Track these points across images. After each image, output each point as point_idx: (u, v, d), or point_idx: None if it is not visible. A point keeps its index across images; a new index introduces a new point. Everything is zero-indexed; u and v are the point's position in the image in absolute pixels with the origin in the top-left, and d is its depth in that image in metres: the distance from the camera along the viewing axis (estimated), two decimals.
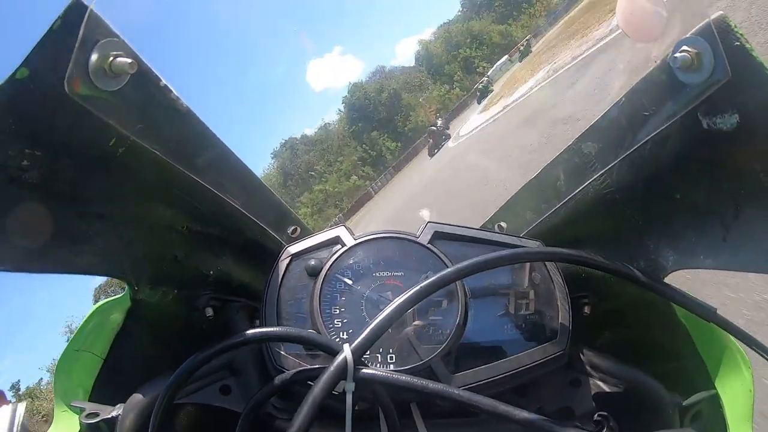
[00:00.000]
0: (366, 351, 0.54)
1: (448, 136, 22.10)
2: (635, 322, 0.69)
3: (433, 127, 23.85)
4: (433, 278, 0.58)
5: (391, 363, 0.61)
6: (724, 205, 0.52)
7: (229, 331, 0.72)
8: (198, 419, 0.58)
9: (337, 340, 0.61)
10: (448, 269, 0.59)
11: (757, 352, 0.55)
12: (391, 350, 0.62)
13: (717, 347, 0.63)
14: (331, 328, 0.62)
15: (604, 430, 0.61)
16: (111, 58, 0.44)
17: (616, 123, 0.56)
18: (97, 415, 0.63)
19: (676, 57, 0.46)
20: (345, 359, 0.51)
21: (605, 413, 0.61)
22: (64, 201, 0.51)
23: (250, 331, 0.56)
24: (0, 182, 0.45)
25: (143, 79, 0.49)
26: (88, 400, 0.65)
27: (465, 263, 0.60)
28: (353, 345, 0.53)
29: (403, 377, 0.53)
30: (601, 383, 0.67)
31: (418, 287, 0.57)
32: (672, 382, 0.63)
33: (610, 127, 0.57)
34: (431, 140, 23.08)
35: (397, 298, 0.56)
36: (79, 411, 0.63)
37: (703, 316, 0.57)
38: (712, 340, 0.62)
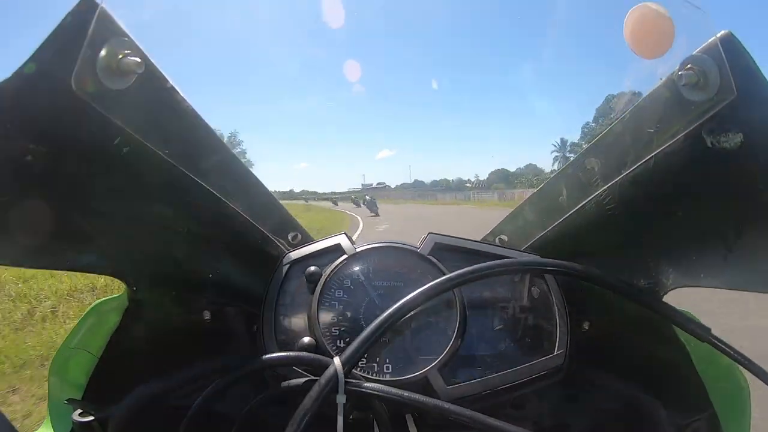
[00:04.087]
0: (356, 363, 0.54)
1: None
2: (634, 340, 0.68)
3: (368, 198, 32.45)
4: (422, 289, 0.58)
5: (388, 373, 0.60)
6: (727, 224, 0.52)
7: (226, 335, 0.71)
8: (193, 423, 0.57)
9: (334, 348, 0.61)
10: (438, 280, 0.59)
11: (752, 372, 0.55)
12: (387, 361, 0.61)
13: (716, 367, 0.62)
14: (328, 336, 0.62)
15: None
16: (119, 57, 0.44)
17: (620, 139, 0.56)
18: (89, 413, 0.62)
19: (681, 74, 0.46)
20: (335, 372, 0.50)
21: (602, 430, 0.61)
22: (67, 198, 0.51)
23: (229, 366, 0.56)
24: (3, 177, 0.45)
25: (151, 79, 0.49)
26: (82, 399, 0.65)
27: (456, 273, 0.60)
28: (343, 358, 0.52)
29: (395, 390, 0.53)
30: (598, 400, 0.66)
31: (406, 299, 0.57)
32: (670, 401, 0.62)
33: (614, 143, 0.57)
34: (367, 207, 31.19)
35: (387, 311, 0.56)
36: (72, 409, 0.63)
37: (698, 336, 0.57)
38: (711, 360, 0.62)
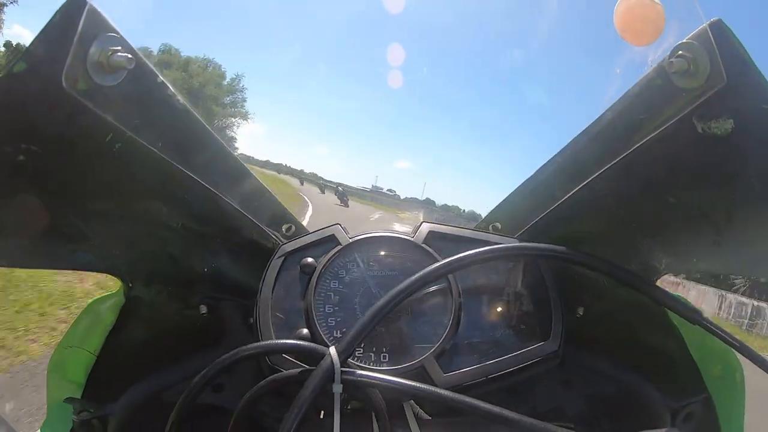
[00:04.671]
0: (352, 352, 0.55)
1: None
2: (628, 324, 0.69)
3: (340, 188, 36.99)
4: (414, 276, 0.58)
5: (385, 362, 0.61)
6: (718, 210, 0.52)
7: (222, 329, 0.71)
8: (191, 416, 0.58)
9: (331, 339, 0.61)
10: (430, 267, 0.60)
11: (742, 354, 0.56)
12: (384, 350, 0.61)
13: (709, 350, 0.63)
14: (324, 326, 0.62)
15: (596, 430, 0.61)
16: (109, 53, 0.44)
17: (611, 126, 0.57)
18: (89, 411, 0.62)
19: (672, 62, 0.46)
20: (331, 362, 0.51)
21: (597, 414, 0.62)
22: (61, 197, 0.51)
23: (225, 357, 0.55)
24: None
25: (141, 74, 0.49)
26: (81, 397, 0.65)
27: (448, 260, 0.60)
28: (338, 347, 0.53)
29: (390, 378, 0.53)
30: (593, 384, 0.67)
31: (399, 287, 0.58)
32: (664, 384, 0.63)
33: (605, 130, 0.58)
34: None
35: (381, 300, 0.57)
36: (72, 408, 0.63)
37: (689, 318, 0.57)
38: (704, 343, 0.63)
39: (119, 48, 0.45)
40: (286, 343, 0.57)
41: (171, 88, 0.52)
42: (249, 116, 49.25)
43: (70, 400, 0.63)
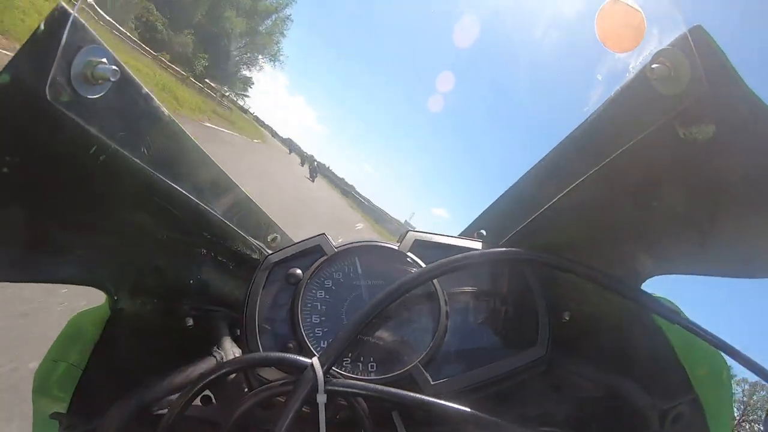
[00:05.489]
0: (335, 362, 0.54)
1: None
2: (614, 328, 0.69)
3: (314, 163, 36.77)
4: (395, 284, 0.59)
5: (372, 372, 0.61)
6: (700, 213, 0.53)
7: (209, 341, 0.71)
8: (180, 430, 0.57)
9: (318, 349, 0.61)
10: (411, 274, 0.60)
11: (727, 354, 0.56)
12: (372, 359, 0.61)
13: (696, 351, 0.64)
14: (312, 336, 0.62)
15: None
16: (94, 65, 0.44)
17: (593, 132, 0.57)
18: (76, 427, 0.61)
19: (653, 68, 0.47)
20: (315, 374, 0.51)
21: (586, 418, 0.62)
22: (44, 209, 0.51)
23: (208, 371, 0.55)
24: None
25: (125, 86, 0.48)
26: (67, 412, 0.64)
27: (429, 267, 0.61)
28: (321, 357, 0.53)
29: (374, 387, 0.53)
30: (581, 388, 0.67)
31: (380, 295, 0.58)
32: (652, 387, 0.64)
33: (587, 137, 0.58)
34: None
35: (363, 308, 0.57)
36: (58, 424, 0.62)
37: (673, 321, 0.58)
38: (691, 345, 0.63)
39: (104, 60, 0.45)
40: (268, 356, 0.56)
41: (155, 99, 0.52)
42: (280, 56, 39.61)
43: (56, 415, 0.62)
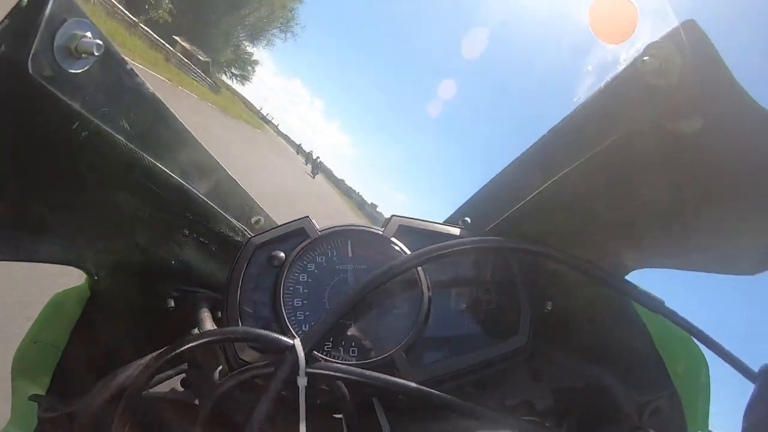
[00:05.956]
0: (317, 345, 0.54)
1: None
2: (595, 318, 0.70)
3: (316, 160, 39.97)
4: (379, 270, 0.59)
5: (354, 356, 0.60)
6: (686, 207, 0.53)
7: (190, 322, 0.70)
8: (159, 412, 0.57)
9: (300, 333, 0.60)
10: (395, 261, 0.60)
11: (705, 344, 0.57)
12: (353, 344, 0.61)
13: (674, 344, 0.64)
14: (293, 320, 0.62)
15: (563, 425, 0.62)
16: (78, 38, 0.43)
17: (582, 123, 0.57)
18: (55, 408, 0.60)
19: (644, 60, 0.47)
20: (296, 355, 0.50)
21: (566, 408, 0.62)
22: (24, 186, 0.50)
23: (192, 336, 0.55)
24: None
25: (109, 61, 0.47)
26: (47, 393, 0.63)
27: (417, 252, 0.61)
28: (303, 339, 0.52)
29: (356, 370, 0.53)
30: (561, 378, 0.68)
31: (364, 281, 0.58)
32: (631, 379, 0.64)
33: (575, 127, 0.58)
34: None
35: (346, 293, 0.57)
36: (37, 405, 0.61)
37: (651, 308, 0.58)
38: (670, 337, 0.64)
39: (87, 33, 0.44)
40: (249, 331, 0.56)
41: (140, 76, 0.51)
42: (294, 22, 36.83)
43: (35, 397, 0.61)
